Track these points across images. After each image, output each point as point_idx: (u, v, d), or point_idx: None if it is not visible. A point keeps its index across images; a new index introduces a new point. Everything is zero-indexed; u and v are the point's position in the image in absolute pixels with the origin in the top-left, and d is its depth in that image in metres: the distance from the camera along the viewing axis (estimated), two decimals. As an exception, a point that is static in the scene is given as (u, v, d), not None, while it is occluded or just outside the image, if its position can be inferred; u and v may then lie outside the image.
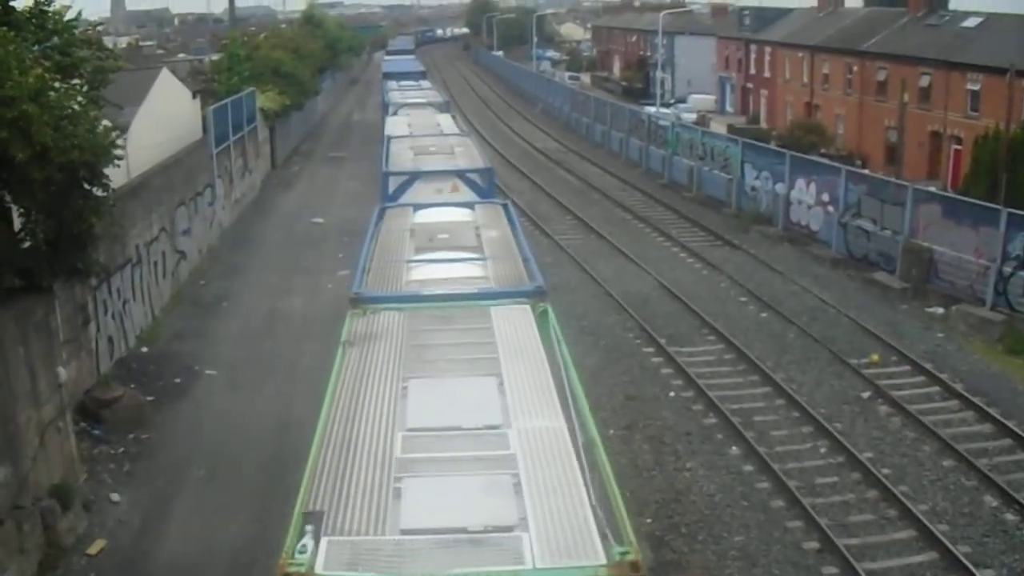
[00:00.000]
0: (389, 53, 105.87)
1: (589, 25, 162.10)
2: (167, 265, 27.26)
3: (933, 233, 27.69)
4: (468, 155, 23.60)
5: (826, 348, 23.45)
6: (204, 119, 34.43)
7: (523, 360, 9.34)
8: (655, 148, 48.87)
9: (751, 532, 15.80)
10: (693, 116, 70.72)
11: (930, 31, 55.79)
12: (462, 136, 27.33)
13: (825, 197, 32.85)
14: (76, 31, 16.41)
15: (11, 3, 15.42)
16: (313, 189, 46.11)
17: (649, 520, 16.10)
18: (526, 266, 12.71)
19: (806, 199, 34.09)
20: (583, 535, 6.48)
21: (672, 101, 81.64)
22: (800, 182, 34.44)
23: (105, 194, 15.85)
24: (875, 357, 22.95)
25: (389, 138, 26.26)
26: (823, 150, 53.69)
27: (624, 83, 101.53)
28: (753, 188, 37.81)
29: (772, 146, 42.72)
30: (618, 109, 58.82)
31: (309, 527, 6.51)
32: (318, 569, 6.08)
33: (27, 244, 15.28)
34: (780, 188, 35.52)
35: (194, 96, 34.96)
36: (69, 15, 16.17)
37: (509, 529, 6.62)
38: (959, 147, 48.66)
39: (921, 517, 15.73)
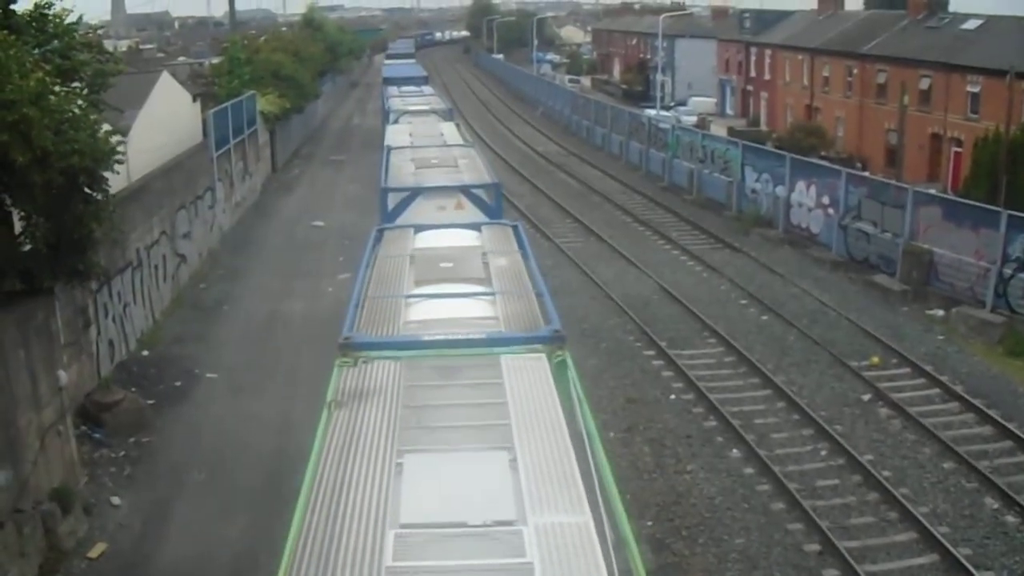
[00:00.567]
0: (389, 57, 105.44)
1: (589, 28, 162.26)
2: (168, 268, 27.27)
3: (933, 235, 27.70)
4: (473, 168, 21.95)
5: (827, 350, 23.45)
6: (204, 122, 34.43)
7: (540, 429, 7.93)
8: (655, 151, 48.89)
9: (752, 534, 15.80)
10: (693, 119, 70.72)
11: (930, 33, 55.81)
12: (467, 147, 25.41)
13: (825, 200, 32.86)
14: (76, 34, 16.41)
15: (11, 6, 15.43)
16: (313, 192, 46.12)
17: (650, 523, 16.10)
18: (540, 303, 11.35)
19: (806, 202, 34.10)
20: None
21: (672, 104, 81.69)
22: (800, 185, 34.45)
23: (105, 198, 15.84)
24: (875, 359, 22.95)
25: (389, 149, 24.59)
26: (823, 152, 53.72)
27: (624, 86, 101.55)
28: (753, 191, 37.83)
29: (767, 147, 42.75)
30: (618, 112, 58.86)
31: None
32: None
33: (28, 247, 15.29)
34: (780, 191, 35.53)
35: (194, 99, 34.95)
36: (70, 19, 16.18)
37: None
38: (959, 149, 48.66)
39: (922, 519, 15.73)
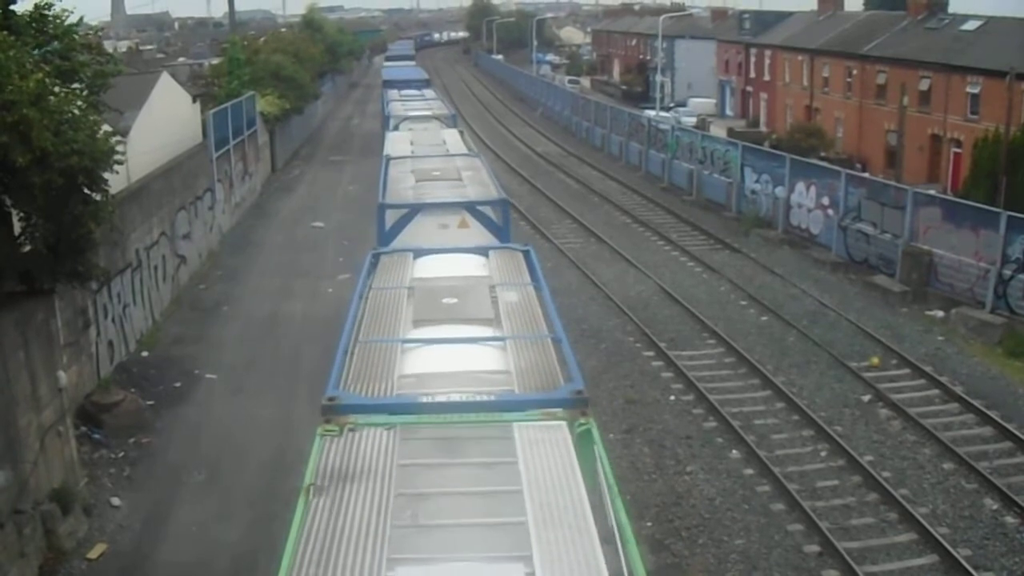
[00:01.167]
0: (389, 58, 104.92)
1: (589, 29, 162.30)
2: (167, 269, 27.27)
3: (933, 236, 27.72)
4: (479, 182, 20.30)
5: (826, 351, 23.46)
6: (204, 123, 34.44)
7: (563, 528, 6.57)
8: (655, 152, 48.90)
9: (752, 535, 15.80)
10: (693, 120, 70.74)
11: (930, 34, 55.80)
12: (471, 157, 23.46)
13: (825, 200, 32.87)
14: (76, 35, 16.41)
15: (11, 7, 15.43)
16: (313, 193, 46.11)
17: (649, 523, 16.10)
18: (558, 351, 9.74)
19: (806, 202, 34.11)
20: None
21: (672, 105, 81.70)
22: (800, 185, 34.46)
23: (104, 199, 15.84)
24: (875, 360, 22.96)
25: (388, 159, 22.69)
26: (823, 153, 53.73)
27: (624, 87, 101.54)
28: (753, 191, 37.83)
29: (764, 148, 42.75)
30: (618, 113, 58.86)
31: None
32: None
33: (27, 248, 15.29)
34: (780, 191, 35.54)
35: (194, 100, 34.96)
36: (69, 19, 16.18)
37: None
38: (959, 150, 48.65)
39: (921, 520, 15.73)
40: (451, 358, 9.73)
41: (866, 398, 20.97)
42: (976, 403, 20.33)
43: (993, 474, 17.31)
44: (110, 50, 22.06)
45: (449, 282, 12.23)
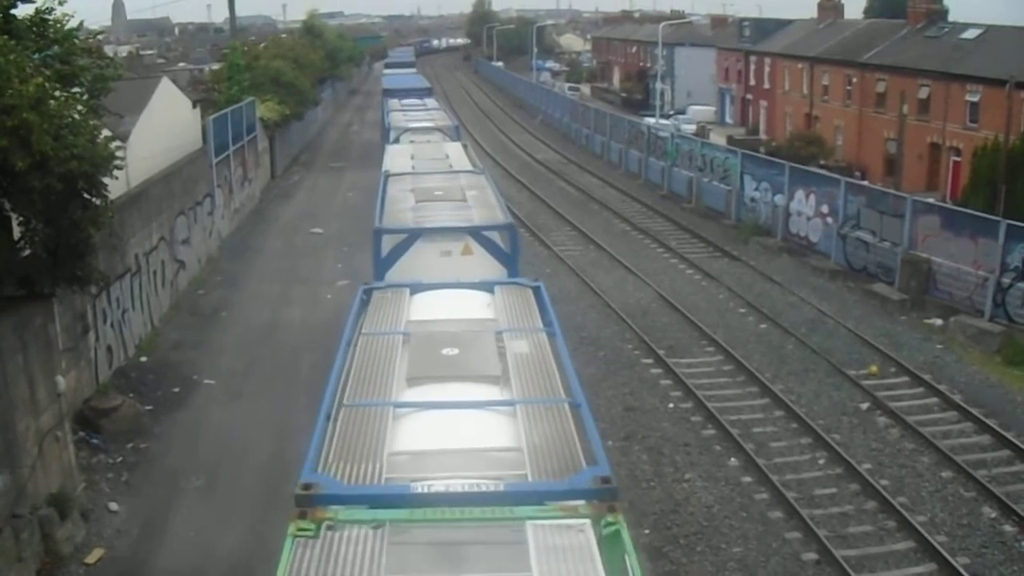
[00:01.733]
0: (388, 66, 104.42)
1: (589, 36, 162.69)
2: (166, 274, 27.27)
3: (932, 244, 27.73)
4: (484, 203, 18.79)
5: (825, 359, 23.46)
6: (204, 128, 34.46)
7: None
8: (654, 159, 48.93)
9: (750, 543, 15.79)
10: (693, 127, 70.79)
11: (929, 43, 55.88)
12: (476, 174, 21.92)
13: (824, 208, 32.89)
14: (77, 40, 16.41)
15: (12, 11, 15.44)
16: (312, 199, 46.12)
17: (647, 531, 16.09)
18: (576, 419, 8.39)
19: (805, 210, 34.13)
20: None
21: (672, 112, 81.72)
22: (799, 193, 34.48)
23: (104, 204, 15.85)
24: (874, 368, 22.96)
25: (387, 176, 21.24)
26: (822, 161, 53.75)
27: (624, 94, 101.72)
28: (752, 199, 37.85)
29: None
30: (617, 120, 58.90)
31: None
32: None
33: (27, 252, 15.29)
34: (779, 199, 35.56)
35: (194, 105, 34.99)
36: (70, 24, 16.17)
37: None
38: (958, 158, 48.70)
39: (919, 528, 15.72)
40: (451, 430, 8.34)
41: (864, 406, 20.96)
42: (974, 411, 20.32)
43: (991, 482, 17.31)
44: (110, 55, 22.03)
45: (450, 326, 10.91)
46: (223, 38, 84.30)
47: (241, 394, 21.58)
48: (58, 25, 15.94)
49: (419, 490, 7.13)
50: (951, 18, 59.93)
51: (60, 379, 16.29)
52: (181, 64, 76.01)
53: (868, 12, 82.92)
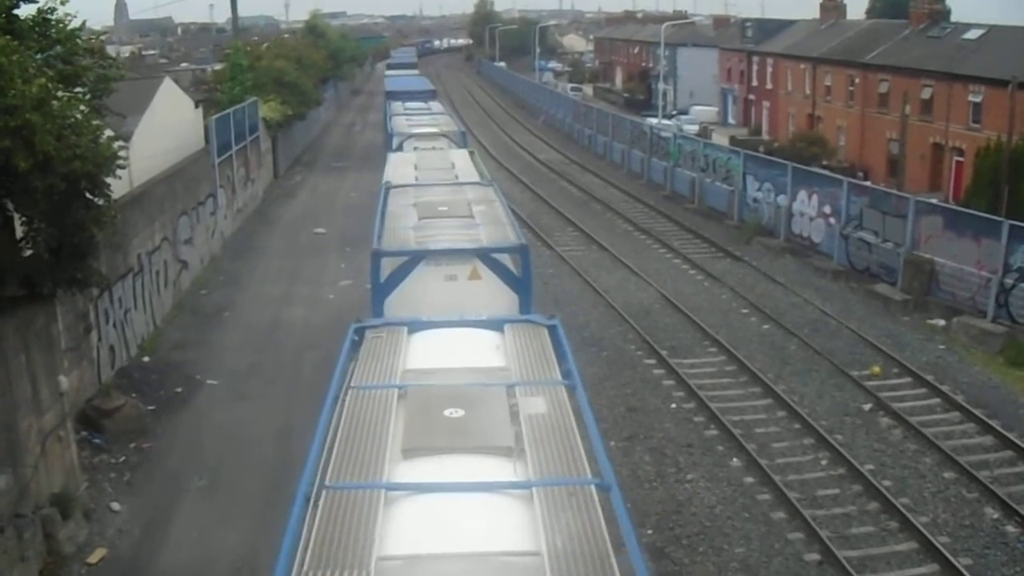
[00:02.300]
0: (391, 66, 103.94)
1: (591, 36, 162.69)
2: (169, 274, 27.27)
3: (935, 245, 27.70)
4: (493, 219, 17.27)
5: (827, 360, 23.44)
6: (207, 128, 34.50)
7: None
8: (657, 160, 48.93)
9: (752, 544, 15.78)
10: (695, 128, 70.82)
11: (932, 43, 55.85)
12: (484, 186, 20.43)
13: (827, 209, 32.86)
14: (79, 40, 16.42)
15: (14, 12, 15.45)
16: (315, 199, 46.15)
17: (650, 531, 16.08)
18: (606, 505, 7.25)
19: (808, 211, 34.11)
20: None
21: (674, 113, 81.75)
22: (802, 194, 34.46)
23: (107, 204, 15.85)
24: (876, 369, 22.94)
25: (388, 188, 19.76)
26: (825, 162, 53.72)
27: (626, 94, 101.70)
28: (755, 200, 37.83)
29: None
30: (620, 120, 58.90)
31: None
32: None
33: (29, 252, 15.30)
34: (782, 200, 35.54)
35: (197, 105, 35.03)
36: (72, 24, 16.18)
37: None
38: (961, 159, 48.69)
39: (922, 529, 15.71)
40: (454, 524, 7.05)
41: (867, 407, 20.95)
42: (977, 412, 20.30)
43: (994, 483, 17.29)
44: (113, 55, 22.03)
45: (454, 376, 9.56)
46: (225, 38, 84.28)
47: (244, 394, 21.58)
48: (60, 25, 15.95)
49: None
50: (953, 18, 60.00)
51: (62, 379, 16.29)
52: (184, 64, 76.06)
53: (870, 12, 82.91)
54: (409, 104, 45.60)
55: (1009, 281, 24.93)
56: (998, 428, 19.55)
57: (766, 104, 76.08)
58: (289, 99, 52.59)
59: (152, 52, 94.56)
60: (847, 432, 19.77)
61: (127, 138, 23.06)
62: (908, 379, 22.45)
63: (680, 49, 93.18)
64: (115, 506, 16.77)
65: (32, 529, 14.38)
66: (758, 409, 20.99)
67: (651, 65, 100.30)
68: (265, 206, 43.78)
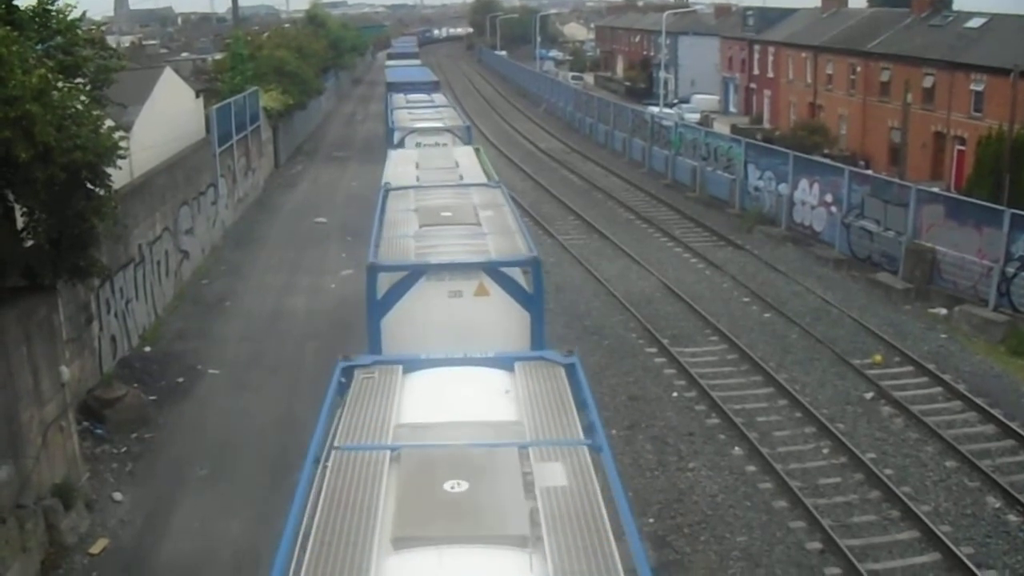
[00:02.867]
0: (391, 56, 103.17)
1: (592, 25, 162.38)
2: (170, 264, 27.28)
3: (936, 234, 27.66)
4: (501, 227, 15.73)
5: (829, 348, 23.44)
6: (207, 118, 34.47)
7: None
8: (658, 148, 48.87)
9: (754, 532, 15.79)
10: (696, 116, 70.75)
11: (934, 31, 55.75)
12: (491, 188, 18.87)
13: (828, 197, 32.83)
14: (79, 30, 16.40)
15: (14, 2, 15.43)
16: (316, 188, 46.13)
17: (652, 520, 16.09)
18: None
19: (809, 199, 34.07)
20: None
21: (675, 101, 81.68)
22: (803, 182, 34.42)
23: (107, 194, 15.84)
24: (878, 358, 22.93)
25: (386, 191, 18.21)
26: (826, 150, 53.68)
27: (627, 83, 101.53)
28: (756, 188, 37.80)
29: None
30: (621, 109, 58.81)
31: None
32: None
33: (30, 243, 15.29)
34: (783, 188, 35.50)
35: (197, 95, 34.99)
36: (72, 14, 16.17)
37: None
38: (963, 148, 48.63)
39: (924, 518, 15.71)
40: None
41: (869, 395, 20.95)
42: (979, 401, 20.29)
43: (995, 472, 17.29)
44: (113, 45, 22.00)
45: (456, 432, 8.15)
46: (226, 28, 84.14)
47: (245, 384, 21.60)
48: (60, 16, 15.94)
49: None
50: (955, 7, 59.78)
51: (64, 369, 16.30)
52: (184, 54, 75.98)
53: (872, 1, 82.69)
54: (411, 96, 44.08)
55: (1010, 270, 24.91)
56: (999, 417, 19.55)
57: (767, 93, 75.97)
58: (290, 89, 52.56)
59: (152, 42, 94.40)
60: (848, 421, 19.78)
61: (128, 128, 23.01)
62: (910, 368, 22.44)
63: (681, 37, 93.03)
64: (117, 496, 16.79)
65: (34, 520, 14.40)
66: (759, 398, 21.00)
67: (652, 54, 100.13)
68: (266, 196, 43.76)
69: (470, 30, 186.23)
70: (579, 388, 9.26)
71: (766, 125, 71.49)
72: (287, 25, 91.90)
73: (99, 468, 17.56)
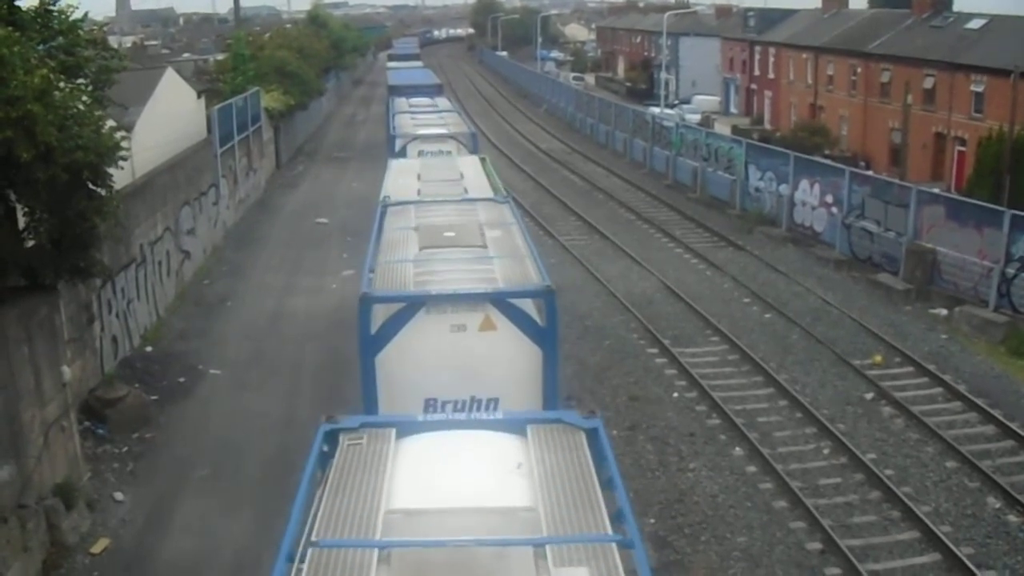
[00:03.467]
0: (392, 58, 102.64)
1: (593, 26, 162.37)
2: (171, 264, 27.30)
3: (937, 234, 27.67)
4: (510, 250, 14.36)
5: (829, 349, 23.44)
6: (209, 119, 34.50)
7: None
8: (659, 149, 48.86)
9: (754, 533, 15.80)
10: (697, 117, 70.75)
11: (934, 32, 55.77)
12: (499, 204, 17.35)
13: (829, 198, 32.83)
14: (81, 31, 16.41)
15: (16, 3, 15.45)
16: (317, 189, 46.14)
17: (652, 520, 16.11)
18: None
19: (810, 200, 34.08)
20: None
21: (676, 102, 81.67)
22: (804, 183, 34.43)
23: (109, 194, 15.86)
24: (878, 358, 22.94)
25: (384, 207, 16.82)
26: (827, 151, 53.70)
27: (628, 84, 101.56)
28: (757, 189, 37.80)
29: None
30: (622, 110, 58.80)
31: None
32: None
33: (31, 243, 15.31)
34: (784, 189, 35.51)
35: (199, 96, 35.03)
36: (74, 15, 16.18)
37: None
38: (963, 148, 48.65)
39: (924, 518, 15.73)
40: None
41: (869, 396, 20.96)
42: (979, 401, 20.30)
43: (996, 473, 17.30)
44: (115, 46, 22.02)
45: (457, 524, 6.71)
46: (227, 28, 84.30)
47: (246, 384, 21.62)
48: (62, 16, 15.95)
49: None
50: (955, 8, 59.81)
51: (65, 369, 16.32)
52: (186, 55, 76.03)
53: (873, 2, 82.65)
54: (414, 100, 42.13)
55: (1011, 271, 24.92)
56: (1000, 418, 19.55)
57: (768, 93, 75.98)
58: (291, 89, 52.59)
59: (154, 42, 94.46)
60: (849, 421, 19.79)
61: (129, 128, 23.04)
62: (910, 368, 22.45)
63: (682, 38, 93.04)
64: (118, 496, 16.81)
65: (35, 519, 14.42)
66: (760, 398, 21.01)
67: (653, 54, 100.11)
68: (267, 196, 43.79)
69: (471, 31, 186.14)
70: (603, 460, 7.78)
71: (767, 126, 71.54)
72: (289, 26, 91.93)
73: (100, 468, 17.58)
